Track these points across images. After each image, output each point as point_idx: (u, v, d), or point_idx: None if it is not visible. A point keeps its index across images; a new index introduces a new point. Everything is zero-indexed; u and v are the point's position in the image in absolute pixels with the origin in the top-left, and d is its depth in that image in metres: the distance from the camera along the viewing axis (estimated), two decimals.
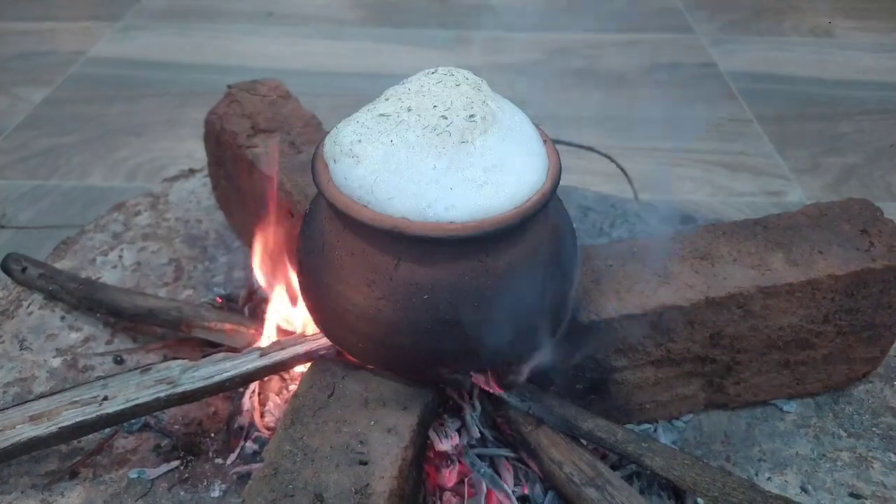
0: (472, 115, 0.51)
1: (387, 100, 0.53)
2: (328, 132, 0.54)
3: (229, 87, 0.85)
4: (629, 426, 0.68)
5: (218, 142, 0.83)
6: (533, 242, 0.51)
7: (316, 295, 0.53)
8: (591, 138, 1.34)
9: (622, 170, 1.08)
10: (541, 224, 0.51)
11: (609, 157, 1.09)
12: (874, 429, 0.69)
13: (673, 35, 1.70)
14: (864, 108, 1.47)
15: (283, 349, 0.61)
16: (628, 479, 0.63)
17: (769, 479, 0.66)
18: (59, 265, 0.84)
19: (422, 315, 0.48)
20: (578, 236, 0.73)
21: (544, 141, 0.53)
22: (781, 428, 0.69)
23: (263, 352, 0.61)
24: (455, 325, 0.49)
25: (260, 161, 0.75)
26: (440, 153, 0.48)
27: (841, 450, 0.68)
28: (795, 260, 0.63)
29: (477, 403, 0.63)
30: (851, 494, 0.64)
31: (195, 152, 0.98)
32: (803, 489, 0.65)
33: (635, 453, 0.59)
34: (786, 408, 0.71)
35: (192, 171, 1.02)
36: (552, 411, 0.61)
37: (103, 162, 1.24)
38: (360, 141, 0.50)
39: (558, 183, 0.50)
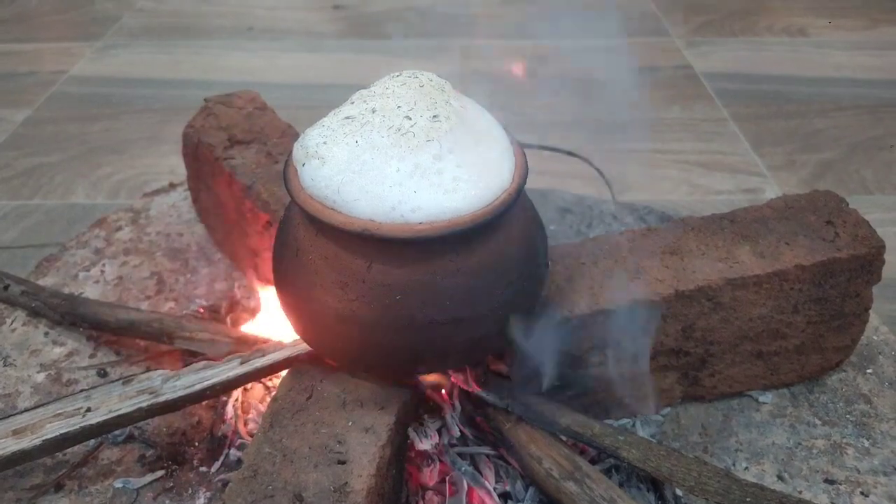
0: (435, 116, 0.52)
1: (352, 103, 0.54)
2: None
3: (206, 100, 0.86)
4: (608, 421, 0.69)
5: (195, 155, 0.84)
6: (502, 240, 0.52)
7: (293, 300, 0.54)
8: (571, 142, 1.36)
9: (599, 172, 1.10)
10: (510, 222, 0.53)
11: (587, 161, 1.10)
12: (848, 416, 0.70)
13: (648, 39, 1.72)
14: (839, 104, 1.49)
15: (263, 356, 0.62)
16: (607, 472, 0.64)
17: (746, 468, 0.67)
18: (41, 282, 0.85)
19: (396, 316, 0.49)
20: (556, 237, 0.74)
21: (510, 140, 0.54)
22: (758, 418, 0.71)
23: (244, 359, 0.62)
24: (429, 325, 0.50)
25: (238, 172, 0.77)
26: (404, 154, 0.49)
27: (816, 437, 0.69)
28: (762, 252, 0.65)
29: (457, 403, 0.64)
30: (826, 480, 0.65)
31: (177, 167, 0.99)
32: (780, 477, 0.66)
33: (612, 446, 0.60)
34: (761, 399, 0.72)
35: (172, 185, 1.03)
36: (530, 408, 0.62)
37: (86, 180, 1.24)
38: (325, 143, 0.51)
39: (524, 182, 0.52)
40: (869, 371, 0.74)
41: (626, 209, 0.97)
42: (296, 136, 0.82)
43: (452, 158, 0.50)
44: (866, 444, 0.68)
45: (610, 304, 0.62)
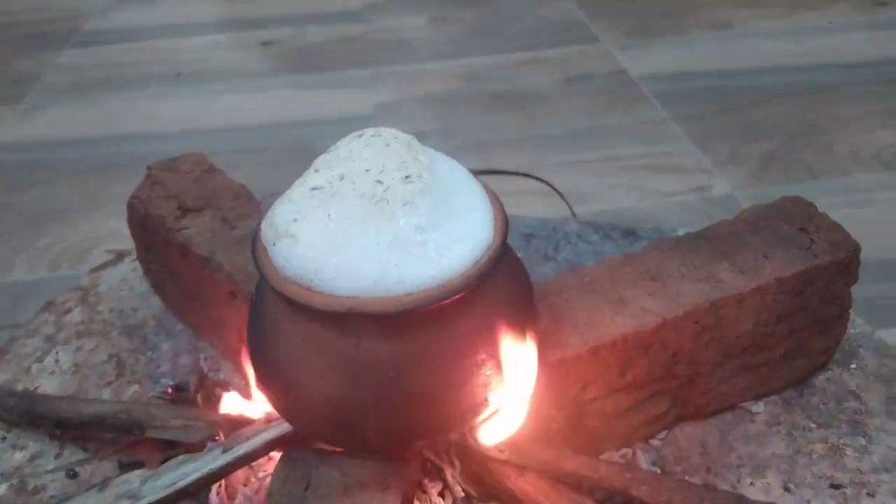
0: (407, 176, 0.50)
1: (317, 171, 0.52)
2: (264, 214, 0.52)
3: (149, 168, 0.82)
4: (609, 452, 0.68)
5: (144, 226, 0.79)
6: (492, 296, 0.50)
7: (275, 384, 0.51)
8: (520, 159, 1.36)
9: (557, 191, 1.09)
10: (498, 275, 0.51)
11: (545, 182, 1.10)
12: (840, 415, 0.71)
13: (580, 47, 1.73)
14: (773, 92, 1.52)
15: (246, 440, 0.59)
16: None
17: (752, 483, 0.66)
18: None
19: (392, 393, 0.47)
20: (526, 264, 0.72)
21: (483, 189, 0.53)
22: (753, 430, 0.70)
23: (225, 447, 0.59)
24: (428, 396, 0.47)
25: (193, 243, 0.73)
26: (381, 224, 0.47)
27: (814, 442, 0.69)
28: (742, 268, 0.65)
29: (456, 461, 0.61)
30: (832, 486, 0.65)
31: (120, 230, 0.94)
32: (786, 489, 0.65)
33: (620, 486, 0.58)
34: (754, 409, 0.72)
35: (119, 256, 0.98)
36: (532, 457, 0.60)
37: (25, 254, 1.18)
38: (295, 220, 0.48)
39: (507, 235, 0.50)
40: (853, 366, 0.75)
41: (590, 227, 0.97)
42: (251, 197, 0.79)
43: (431, 222, 0.48)
44: (863, 442, 0.68)
45: (597, 341, 0.60)
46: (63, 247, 1.19)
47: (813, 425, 0.70)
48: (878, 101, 1.47)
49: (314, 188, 0.50)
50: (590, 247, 0.93)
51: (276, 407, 0.54)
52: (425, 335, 0.47)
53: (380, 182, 0.49)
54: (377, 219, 0.47)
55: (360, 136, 0.54)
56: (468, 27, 1.84)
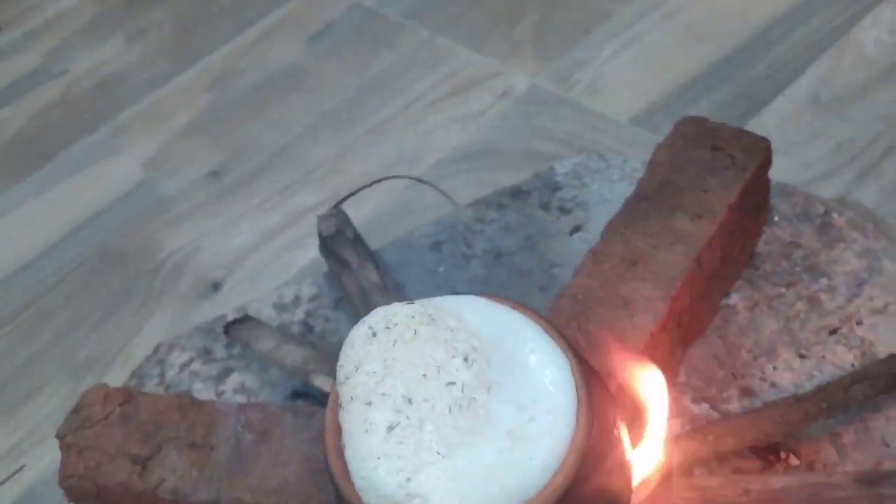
0: (465, 358, 0.46)
1: (369, 404, 0.46)
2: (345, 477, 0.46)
3: (59, 436, 0.69)
4: None
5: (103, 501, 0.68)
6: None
7: None
8: (323, 149, 1.30)
9: (425, 182, 1.07)
10: None
11: (408, 177, 1.07)
12: (796, 269, 0.80)
13: (297, 2, 1.61)
14: None
15: None
16: None
17: (774, 368, 0.74)
18: None
19: None
20: (451, 271, 0.71)
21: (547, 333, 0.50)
22: (743, 321, 0.77)
23: None
24: None
25: (183, 492, 0.64)
26: (487, 431, 0.44)
27: (793, 303, 0.77)
28: (695, 212, 0.68)
29: None
30: (830, 332, 0.75)
31: None
32: (800, 356, 0.74)
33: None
34: (731, 302, 0.79)
35: None
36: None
37: None
38: (408, 479, 0.43)
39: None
40: (776, 219, 0.83)
41: (481, 205, 0.95)
42: (195, 405, 0.69)
43: (522, 395, 0.45)
44: (826, 281, 0.78)
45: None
46: None
47: (783, 290, 0.78)
48: None
49: (390, 427, 0.45)
50: (495, 225, 0.92)
51: None
52: None
53: (451, 383, 0.45)
54: (481, 428, 0.44)
55: (373, 335, 0.49)
56: (174, 29, 1.64)
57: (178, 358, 0.90)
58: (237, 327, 0.87)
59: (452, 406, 0.45)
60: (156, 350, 0.91)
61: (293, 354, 0.82)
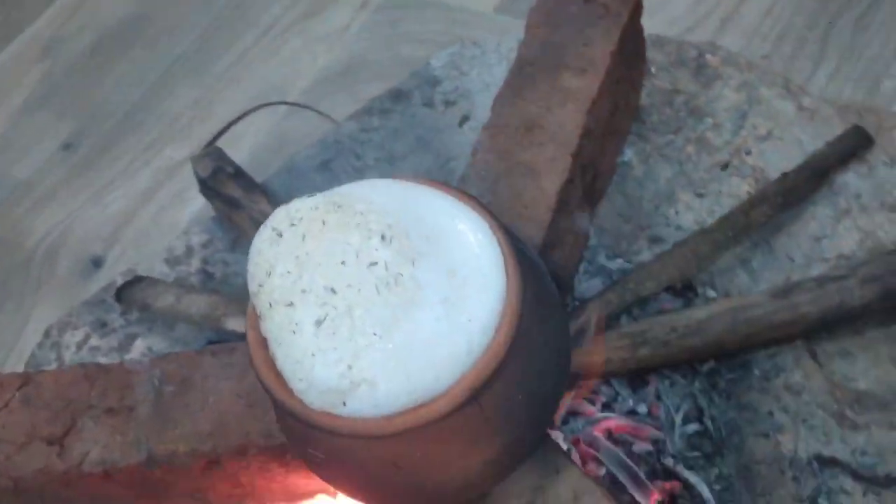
0: (383, 236, 0.44)
1: (291, 305, 0.43)
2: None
3: None
4: None
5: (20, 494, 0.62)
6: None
7: None
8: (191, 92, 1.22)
9: (304, 106, 1.02)
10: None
11: (288, 103, 1.02)
12: (680, 114, 0.81)
13: None
14: None
15: None
16: None
17: (676, 212, 0.75)
18: None
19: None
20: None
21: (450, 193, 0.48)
22: (640, 174, 0.78)
23: None
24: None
25: (112, 459, 0.59)
26: (420, 306, 0.42)
27: (682, 148, 0.79)
28: (581, 67, 0.67)
29: None
30: (722, 168, 0.77)
31: None
32: (698, 195, 0.76)
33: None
34: (626, 159, 0.79)
35: None
36: None
37: None
38: (349, 366, 0.41)
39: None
40: (653, 70, 0.84)
41: (363, 114, 0.91)
42: (105, 371, 0.64)
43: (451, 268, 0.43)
44: (710, 121, 0.79)
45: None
46: None
47: (671, 136, 0.80)
48: None
49: (318, 322, 0.42)
50: (382, 132, 0.89)
51: None
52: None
53: (373, 263, 0.43)
54: (413, 300, 0.42)
55: (279, 235, 0.45)
56: None
57: (72, 337, 0.83)
58: (129, 290, 0.80)
59: (379, 285, 0.42)
60: (46, 334, 0.83)
61: (198, 303, 0.77)
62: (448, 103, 0.89)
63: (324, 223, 0.45)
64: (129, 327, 0.81)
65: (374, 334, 0.41)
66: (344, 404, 0.41)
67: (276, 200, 0.84)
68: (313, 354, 0.42)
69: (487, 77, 0.89)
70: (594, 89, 0.66)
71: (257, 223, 0.82)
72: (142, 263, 0.87)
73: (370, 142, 0.89)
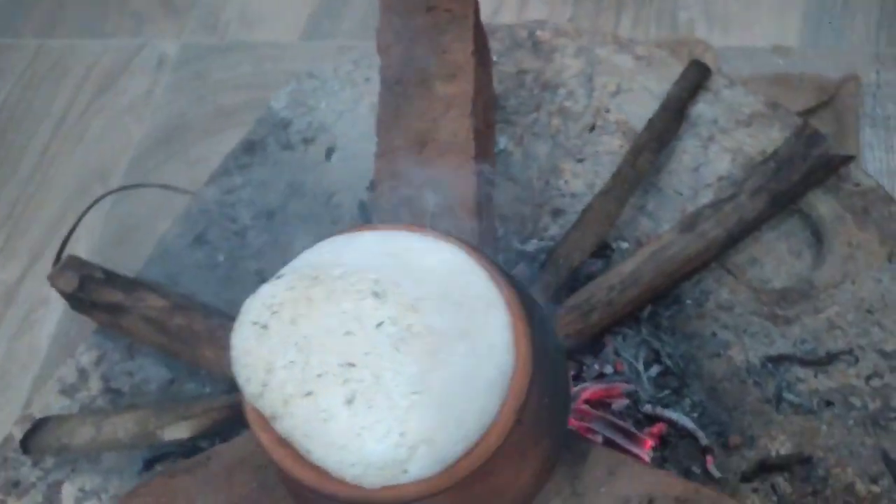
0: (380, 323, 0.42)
1: (309, 394, 0.41)
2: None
3: None
4: None
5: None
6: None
7: None
8: None
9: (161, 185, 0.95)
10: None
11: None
12: (534, 91, 0.84)
13: None
14: None
15: None
16: None
17: (566, 182, 0.79)
18: None
19: None
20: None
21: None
22: (515, 163, 0.81)
23: None
24: None
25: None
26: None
27: (548, 122, 0.82)
28: (449, 73, 0.68)
29: None
30: (590, 130, 0.81)
31: None
32: (578, 161, 0.80)
33: None
34: (501, 147, 0.82)
35: None
36: None
37: None
38: (402, 434, 0.39)
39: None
40: (494, 59, 0.86)
41: (219, 181, 0.87)
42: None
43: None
44: (564, 91, 0.83)
45: None
46: None
47: (534, 114, 0.83)
48: None
49: (349, 401, 0.40)
50: (248, 188, 0.85)
51: None
52: None
53: (379, 323, 0.41)
54: (434, 346, 0.41)
55: (263, 328, 0.43)
56: None
57: None
58: (37, 437, 0.71)
59: (395, 343, 0.41)
60: None
61: (124, 425, 0.70)
62: (307, 141, 0.86)
63: (310, 300, 0.42)
64: (48, 476, 0.72)
65: (413, 393, 0.40)
66: (405, 472, 0.40)
67: (165, 291, 0.77)
68: (359, 434, 0.40)
69: (337, 105, 0.88)
70: (470, 91, 0.67)
71: (154, 322, 0.77)
72: (33, 404, 0.77)
73: (240, 201, 0.85)
